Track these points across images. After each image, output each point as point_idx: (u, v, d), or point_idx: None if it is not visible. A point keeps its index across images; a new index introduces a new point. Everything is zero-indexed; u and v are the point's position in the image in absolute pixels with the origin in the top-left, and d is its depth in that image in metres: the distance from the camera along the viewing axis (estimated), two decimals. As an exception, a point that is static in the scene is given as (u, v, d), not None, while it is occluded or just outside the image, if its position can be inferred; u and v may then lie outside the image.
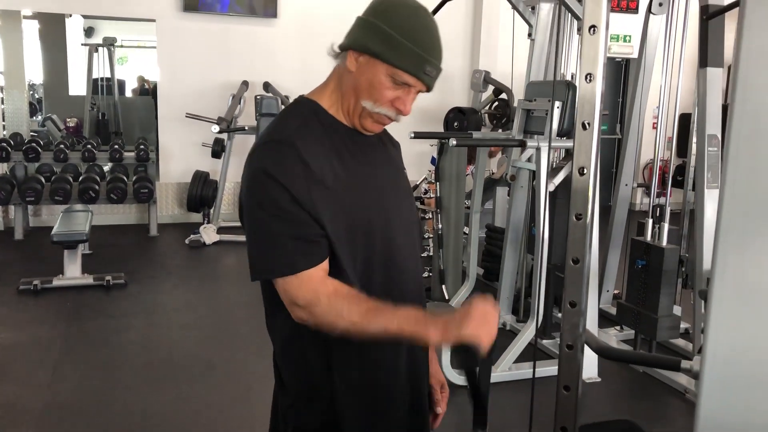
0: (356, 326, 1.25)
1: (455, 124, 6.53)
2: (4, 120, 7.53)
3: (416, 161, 7.15)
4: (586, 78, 1.17)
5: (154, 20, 6.99)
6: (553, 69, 4.23)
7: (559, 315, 4.23)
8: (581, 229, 1.21)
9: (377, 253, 1.37)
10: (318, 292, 1.28)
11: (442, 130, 6.00)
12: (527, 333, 3.73)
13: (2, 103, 7.63)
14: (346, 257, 1.32)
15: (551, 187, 3.73)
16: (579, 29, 3.63)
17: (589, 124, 1.17)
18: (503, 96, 5.03)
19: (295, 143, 1.30)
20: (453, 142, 3.60)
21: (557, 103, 3.68)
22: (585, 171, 1.19)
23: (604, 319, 4.48)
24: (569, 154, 3.84)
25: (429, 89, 1.35)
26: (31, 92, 9.79)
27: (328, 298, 1.27)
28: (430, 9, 4.49)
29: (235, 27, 7.10)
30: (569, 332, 1.24)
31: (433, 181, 4.85)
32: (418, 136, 3.98)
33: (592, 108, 1.17)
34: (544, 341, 3.97)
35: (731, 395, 0.90)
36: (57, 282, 4.86)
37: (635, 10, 7.80)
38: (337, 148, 1.35)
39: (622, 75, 8.97)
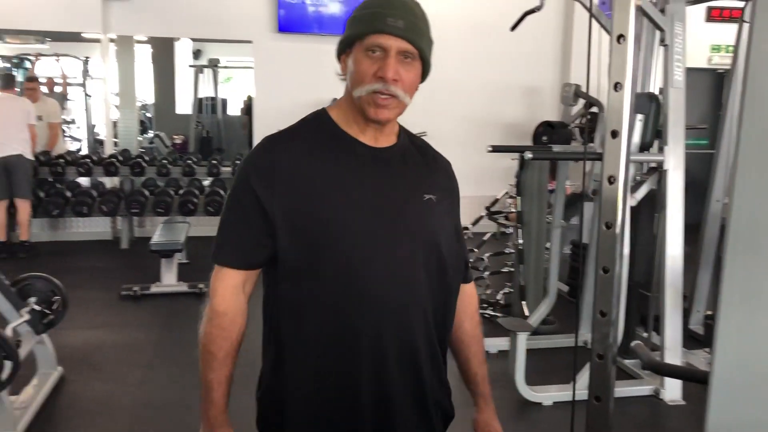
0: (201, 351, 1.35)
1: (544, 138, 6.44)
2: (116, 137, 8.09)
3: (502, 176, 7.11)
4: (614, 87, 1.17)
5: (251, 41, 7.33)
6: (632, 81, 4.12)
7: (645, 334, 4.10)
8: (611, 238, 1.21)
9: (338, 276, 1.29)
10: (216, 291, 1.34)
11: (531, 145, 5.96)
12: (606, 351, 3.63)
13: (116, 121, 8.20)
14: (291, 265, 1.30)
15: (632, 202, 3.64)
16: (662, 41, 3.55)
17: (617, 132, 1.17)
18: (594, 109, 4.94)
19: (274, 142, 1.34)
20: (529, 155, 3.58)
21: (639, 116, 3.59)
22: (614, 180, 1.19)
23: (694, 341, 4.29)
24: (652, 168, 3.73)
25: (406, 39, 1.27)
26: (142, 111, 10.47)
27: (214, 307, 1.33)
28: (512, 23, 4.51)
29: (326, 47, 7.30)
30: (599, 342, 1.23)
31: (514, 195, 4.81)
32: (496, 149, 3.98)
33: (620, 117, 1.17)
34: (626, 361, 3.85)
35: (740, 403, 0.89)
36: (154, 289, 5.17)
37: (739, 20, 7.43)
38: (325, 155, 1.32)
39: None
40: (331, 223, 1.28)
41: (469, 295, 1.55)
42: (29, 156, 6.18)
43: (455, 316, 1.48)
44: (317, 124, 1.37)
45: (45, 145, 6.98)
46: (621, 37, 1.16)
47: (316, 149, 1.33)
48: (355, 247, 1.29)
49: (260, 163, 1.32)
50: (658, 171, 3.66)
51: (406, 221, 1.34)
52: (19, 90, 6.50)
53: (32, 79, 7.44)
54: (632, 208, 3.63)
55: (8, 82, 6.32)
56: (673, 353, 3.59)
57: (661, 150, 3.64)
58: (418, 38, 1.29)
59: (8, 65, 9.68)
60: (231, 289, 1.34)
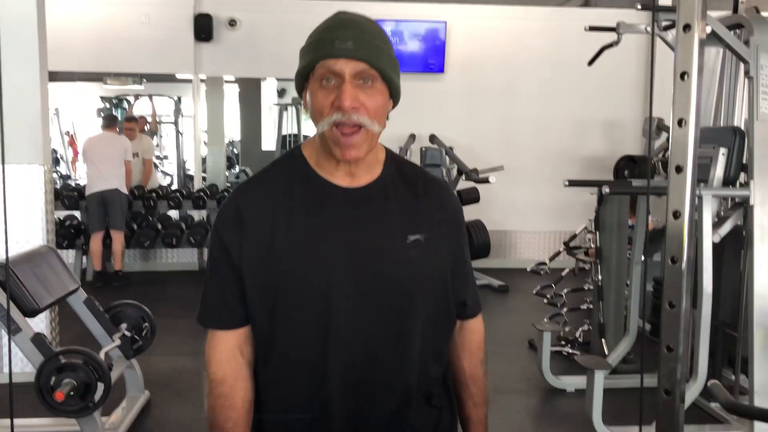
0: (208, 428, 1.27)
1: (626, 172, 6.32)
2: (205, 172, 8.48)
3: (582, 210, 6.99)
4: (678, 123, 1.18)
5: (332, 80, 7.56)
6: (712, 113, 4.02)
7: (732, 377, 3.93)
8: (677, 272, 1.21)
9: (300, 332, 1.20)
10: (210, 359, 1.26)
11: (612, 179, 5.86)
12: (690, 393, 3.50)
13: (205, 157, 8.61)
14: (256, 320, 1.23)
15: (716, 238, 3.53)
16: (746, 73, 3.47)
17: (681, 168, 1.18)
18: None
19: (241, 190, 1.26)
20: (606, 189, 3.54)
21: (722, 150, 3.50)
22: (679, 215, 1.19)
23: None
24: (737, 203, 3.61)
25: (359, 60, 1.13)
26: (230, 147, 10.93)
27: (210, 376, 1.25)
28: (589, 58, 4.49)
29: (404, 83, 7.44)
30: (666, 377, 1.22)
31: (593, 230, 4.75)
32: (573, 183, 3.95)
33: (685, 152, 1.18)
34: (712, 404, 3.69)
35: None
36: (237, 318, 5.34)
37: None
38: (293, 201, 1.21)
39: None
40: (291, 277, 1.18)
41: (470, 331, 1.39)
42: (124, 190, 6.55)
43: (454, 353, 1.38)
44: (289, 165, 1.26)
45: (140, 180, 7.40)
46: (684, 74, 1.17)
47: (283, 194, 1.22)
48: (315, 304, 1.19)
49: (228, 214, 1.23)
50: (744, 206, 3.54)
51: (379, 270, 1.21)
52: (119, 129, 6.95)
53: (130, 119, 7.92)
54: (717, 245, 3.51)
55: (111, 122, 6.78)
56: (763, 397, 3.42)
57: (746, 184, 3.52)
58: (374, 57, 1.15)
59: (108, 105, 10.35)
60: (225, 354, 1.25)
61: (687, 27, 1.14)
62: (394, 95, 1.23)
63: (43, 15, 4.02)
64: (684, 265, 1.21)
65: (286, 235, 1.20)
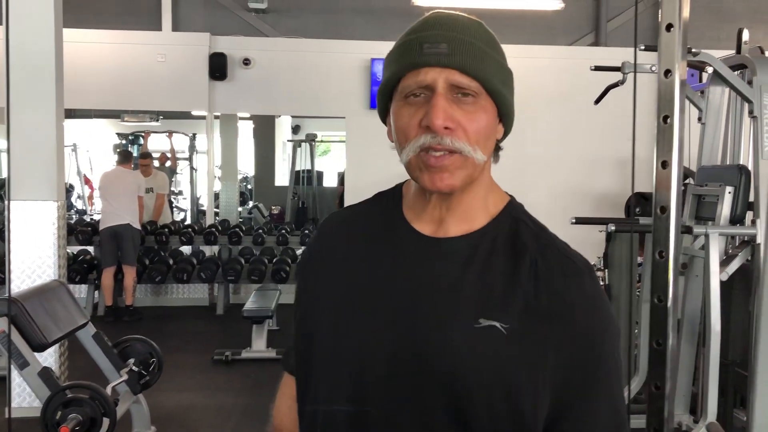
0: None
1: (637, 209, 6.31)
2: (218, 207, 8.57)
3: (593, 248, 6.97)
4: (662, 165, 1.21)
5: (344, 117, 7.67)
6: (719, 152, 4.03)
7: (744, 417, 3.86)
8: (662, 311, 1.22)
9: (319, 410, 0.96)
10: (276, 404, 1.14)
11: (623, 217, 5.86)
12: (699, 434, 3.44)
13: (218, 192, 8.71)
14: (298, 376, 1.03)
15: (724, 276, 3.51)
16: (750, 112, 3.49)
17: (666, 208, 1.20)
18: (689, 181, 4.85)
19: (325, 225, 1.08)
20: (612, 227, 3.55)
21: (728, 188, 3.51)
22: (664, 254, 1.21)
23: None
24: (744, 241, 3.60)
25: (455, 67, 0.88)
26: (243, 183, 11.05)
27: (271, 420, 1.13)
28: (594, 97, 4.54)
29: (416, 120, 7.56)
30: (654, 416, 1.23)
31: (602, 267, 4.73)
32: (580, 221, 3.95)
33: (668, 194, 1.20)
34: (723, 445, 3.63)
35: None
36: (245, 354, 5.35)
37: None
38: (363, 246, 1.00)
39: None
40: (322, 334, 0.97)
41: None
42: (137, 225, 6.63)
43: None
44: (384, 201, 1.04)
45: (152, 215, 7.49)
46: (666, 118, 1.20)
47: (358, 236, 1.01)
48: (343, 360, 0.94)
49: (307, 249, 1.08)
50: (751, 245, 3.53)
51: (426, 355, 0.90)
52: (133, 166, 7.09)
53: (146, 155, 8.06)
54: (725, 283, 3.50)
55: (126, 158, 6.94)
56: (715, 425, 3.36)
57: (753, 223, 3.51)
58: (475, 63, 0.89)
59: (124, 141, 10.53)
60: (288, 401, 1.07)
61: (668, 72, 1.18)
62: (506, 117, 0.96)
63: (61, 54, 4.14)
64: (670, 303, 1.23)
65: (337, 287, 0.98)
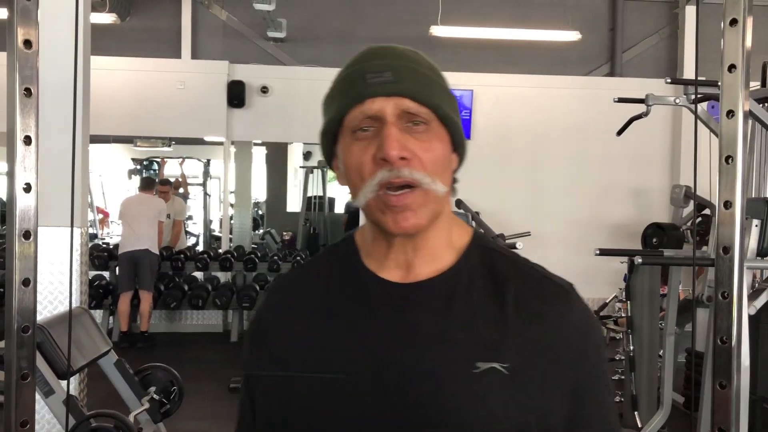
0: None
1: (654, 240, 6.28)
2: (231, 233, 8.58)
3: (610, 278, 6.93)
4: (725, 205, 1.20)
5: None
6: (746, 185, 4.02)
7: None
8: (726, 352, 1.20)
9: None
10: None
11: (640, 247, 5.84)
12: (729, 471, 3.39)
13: (231, 218, 8.72)
14: None
15: (752, 310, 3.48)
16: (776, 145, 3.48)
17: (729, 249, 1.19)
18: (707, 212, 4.83)
19: (273, 293, 0.98)
20: (639, 260, 3.53)
21: (755, 221, 3.49)
22: (727, 295, 1.20)
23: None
24: (772, 275, 3.58)
25: (403, 95, 0.83)
26: (256, 209, 11.08)
27: None
28: (618, 126, 4.55)
29: (432, 149, 7.59)
30: (718, 460, 1.21)
31: (624, 299, 4.70)
32: (604, 253, 3.94)
33: (732, 233, 1.20)
34: (752, 483, 3.57)
35: None
36: (262, 382, 5.31)
37: None
38: (323, 308, 0.91)
39: None
40: (290, 415, 0.87)
41: None
42: (155, 251, 6.64)
43: None
44: (338, 254, 0.96)
45: (168, 241, 7.50)
46: (729, 158, 1.20)
47: (319, 298, 0.92)
48: None
49: (253, 325, 0.97)
50: (779, 278, 3.50)
51: (427, 412, 0.82)
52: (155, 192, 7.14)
53: (165, 182, 8.11)
54: (752, 317, 3.46)
55: (148, 185, 7.02)
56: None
57: (781, 256, 3.49)
58: (424, 89, 0.85)
59: (138, 167, 10.59)
60: None
61: (731, 113, 1.18)
62: (458, 144, 0.89)
63: (88, 80, 4.18)
64: (734, 344, 1.21)
65: (299, 350, 0.88)
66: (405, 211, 0.83)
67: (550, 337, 0.86)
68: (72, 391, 3.80)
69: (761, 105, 3.61)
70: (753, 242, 3.53)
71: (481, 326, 0.85)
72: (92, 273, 7.03)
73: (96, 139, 8.02)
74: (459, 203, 7.20)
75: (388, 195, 0.82)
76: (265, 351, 0.92)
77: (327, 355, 0.86)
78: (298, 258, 7.61)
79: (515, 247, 6.33)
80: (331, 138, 0.89)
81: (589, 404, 0.88)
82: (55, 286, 4.06)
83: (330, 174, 12.08)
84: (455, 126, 0.88)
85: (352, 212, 9.17)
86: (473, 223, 6.90)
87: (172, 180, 9.02)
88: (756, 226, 3.50)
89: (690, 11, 7.62)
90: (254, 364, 0.93)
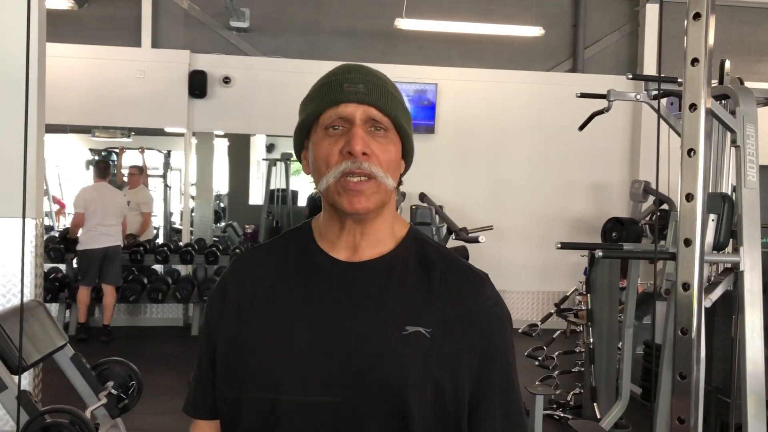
0: None
1: (614, 234, 6.39)
2: (192, 226, 8.45)
3: (570, 271, 7.03)
4: (687, 198, 1.21)
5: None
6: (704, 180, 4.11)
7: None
8: (687, 343, 1.22)
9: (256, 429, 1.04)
10: None
11: (600, 241, 5.93)
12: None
13: (192, 211, 8.59)
14: (223, 414, 1.09)
15: (708, 303, 3.55)
16: (733, 141, 3.56)
17: (690, 241, 1.21)
18: (665, 206, 4.91)
19: (238, 262, 1.15)
20: (599, 253, 3.57)
21: (712, 216, 3.56)
22: (689, 286, 1.21)
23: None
24: (726, 269, 3.65)
25: (371, 104, 1.03)
26: (217, 201, 10.94)
27: None
28: (579, 122, 4.60)
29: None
30: (678, 450, 1.22)
31: (584, 292, 4.77)
32: (565, 246, 3.97)
33: (693, 226, 1.21)
34: (706, 472, 3.65)
35: None
36: (223, 376, 5.25)
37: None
38: (279, 277, 1.09)
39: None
40: (253, 364, 1.04)
41: None
42: (121, 245, 6.54)
43: None
44: (296, 236, 1.13)
45: (136, 231, 7.35)
46: (692, 151, 1.21)
47: (272, 267, 1.10)
48: (278, 394, 1.01)
49: (215, 288, 1.13)
50: (734, 272, 3.58)
51: (363, 364, 1.01)
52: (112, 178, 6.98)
53: (140, 168, 7.96)
54: (708, 310, 3.54)
55: (104, 171, 6.72)
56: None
57: (736, 250, 3.57)
58: (387, 103, 1.04)
59: (96, 157, 10.36)
60: None
61: (693, 106, 1.19)
62: (407, 152, 1.10)
63: (44, 68, 4.06)
64: (694, 335, 1.23)
65: (260, 316, 1.06)
66: (359, 195, 1.01)
67: (465, 312, 1.05)
68: (26, 387, 3.71)
69: (719, 102, 3.68)
70: (710, 236, 3.60)
71: (412, 299, 1.05)
72: (48, 266, 6.86)
73: (52, 129, 7.81)
74: (422, 197, 7.22)
75: (348, 181, 1.01)
76: (229, 305, 1.08)
77: (285, 317, 1.04)
78: (261, 251, 7.53)
79: (478, 241, 6.39)
80: (304, 132, 1.08)
81: (494, 366, 1.06)
82: (8, 278, 3.94)
83: (294, 166, 12.01)
84: (408, 136, 1.09)
85: (313, 205, 9.11)
86: (437, 217, 6.93)
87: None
88: (713, 220, 3.57)
89: (651, 9, 7.75)
90: (219, 314, 1.09)
